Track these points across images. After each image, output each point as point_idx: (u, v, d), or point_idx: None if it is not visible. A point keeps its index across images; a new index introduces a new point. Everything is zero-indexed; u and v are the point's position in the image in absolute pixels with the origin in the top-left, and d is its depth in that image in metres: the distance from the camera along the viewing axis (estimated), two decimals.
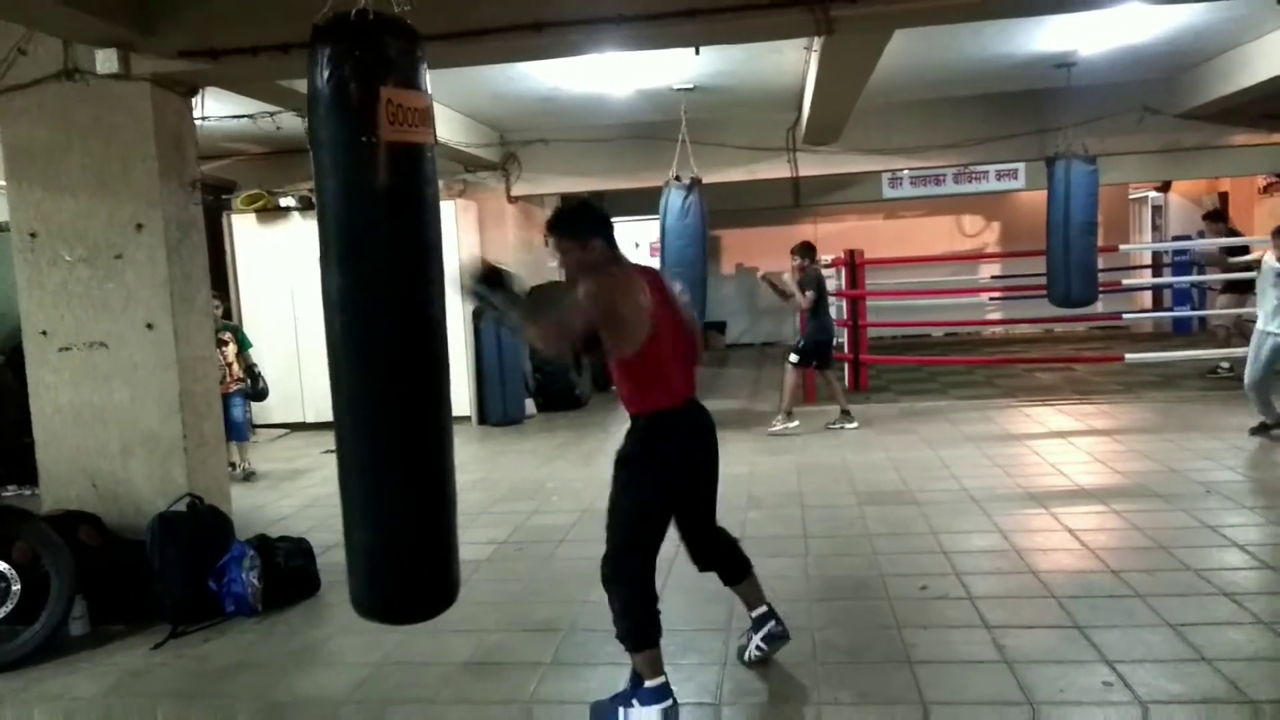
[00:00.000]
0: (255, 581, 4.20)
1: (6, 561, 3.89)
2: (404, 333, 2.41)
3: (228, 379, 6.94)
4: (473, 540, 5.30)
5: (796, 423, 8.04)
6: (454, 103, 8.28)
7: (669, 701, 3.02)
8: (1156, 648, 3.38)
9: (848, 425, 8.03)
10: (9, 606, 3.82)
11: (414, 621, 2.71)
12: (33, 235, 4.46)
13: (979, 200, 14.57)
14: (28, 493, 6.44)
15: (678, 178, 7.99)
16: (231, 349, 7.16)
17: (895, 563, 4.50)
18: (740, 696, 3.24)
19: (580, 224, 3.09)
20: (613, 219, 3.26)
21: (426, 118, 2.38)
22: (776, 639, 3.45)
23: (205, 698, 3.46)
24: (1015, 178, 12.59)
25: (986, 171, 12.83)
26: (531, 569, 4.76)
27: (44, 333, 4.49)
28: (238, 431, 7.13)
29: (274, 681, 3.58)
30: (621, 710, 3.04)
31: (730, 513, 5.52)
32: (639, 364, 3.01)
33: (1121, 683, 3.12)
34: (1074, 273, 8.01)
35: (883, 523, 5.18)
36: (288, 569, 4.38)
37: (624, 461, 3.10)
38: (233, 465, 6.93)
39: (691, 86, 7.93)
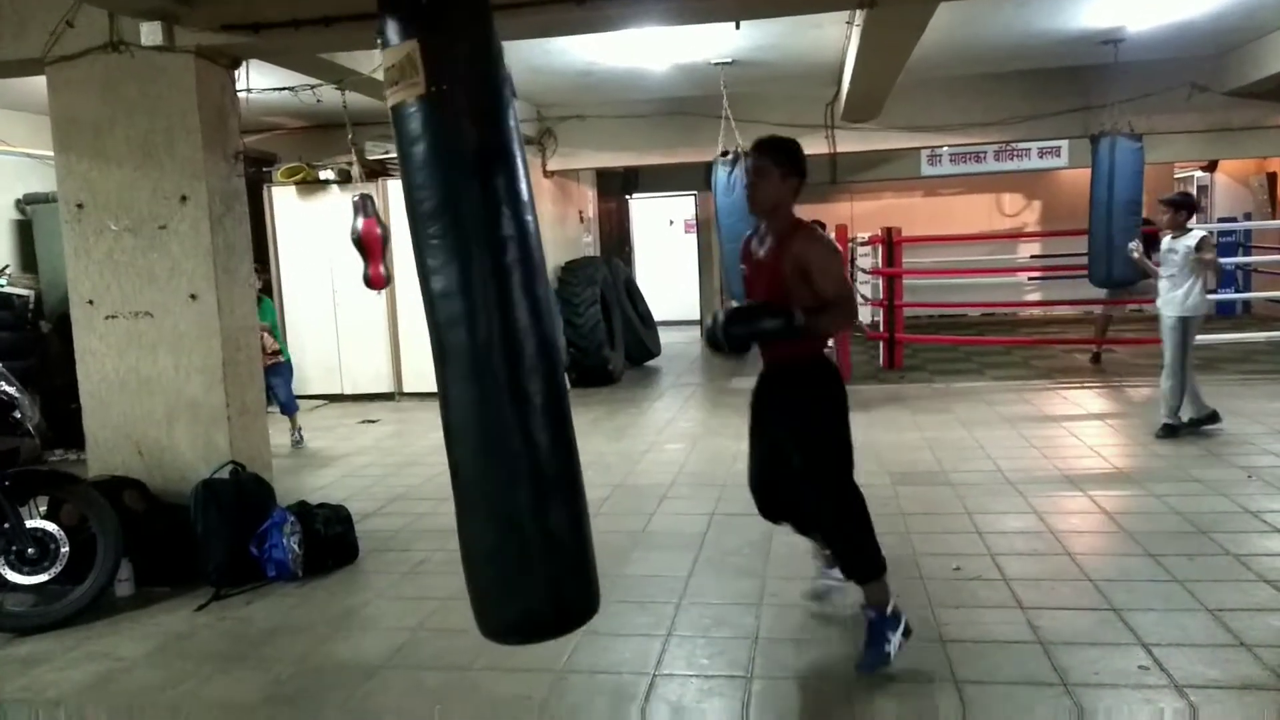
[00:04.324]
0: (296, 547, 4.28)
1: (55, 523, 3.99)
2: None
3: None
4: None
5: None
6: None
7: (904, 617, 3.23)
8: (1194, 632, 3.35)
9: None
10: (58, 567, 3.92)
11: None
12: (80, 206, 4.54)
13: (1020, 178, 14.32)
14: (74, 457, 6.61)
15: (725, 153, 7.94)
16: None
17: (929, 543, 4.49)
18: (771, 671, 3.27)
19: (789, 157, 3.17)
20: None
21: (405, 69, 2.25)
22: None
23: (247, 659, 3.54)
24: (1058, 155, 12.38)
25: (1029, 149, 12.62)
26: None
27: (90, 301, 4.58)
28: (290, 405, 7.41)
29: (314, 645, 3.66)
30: (886, 646, 3.16)
31: None
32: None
33: (1158, 666, 3.10)
34: (1116, 253, 7.87)
35: (916, 502, 5.17)
36: (327, 535, 4.45)
37: (806, 404, 3.20)
38: (296, 437, 7.40)
39: (730, 61, 7.86)
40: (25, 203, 7.91)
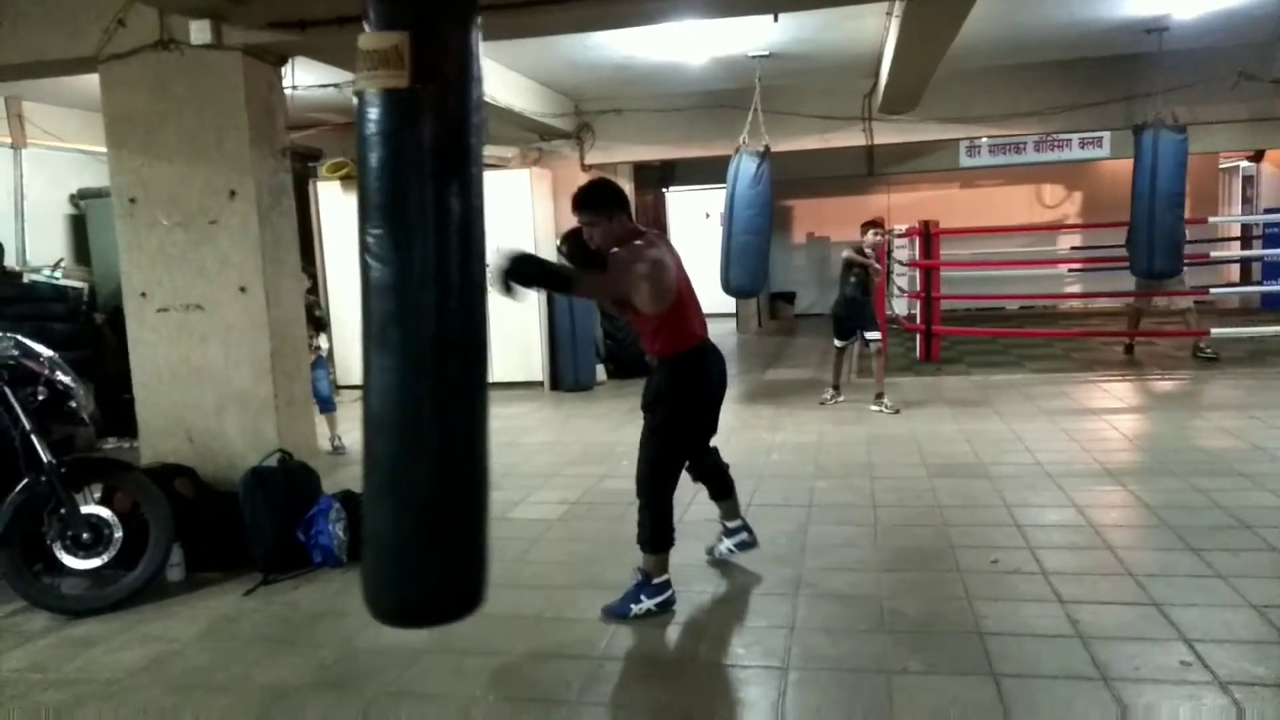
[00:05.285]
0: (341, 534, 4.37)
1: (109, 509, 4.12)
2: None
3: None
4: (545, 500, 5.43)
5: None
6: (530, 71, 8.34)
7: (669, 593, 3.68)
8: (1238, 628, 3.32)
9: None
10: (111, 552, 4.03)
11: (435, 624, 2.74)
12: (132, 200, 4.66)
13: (1060, 169, 14.14)
14: (127, 445, 6.77)
15: (744, 143, 7.92)
16: None
17: (966, 535, 4.48)
18: (807, 662, 3.29)
19: (603, 200, 3.56)
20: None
21: (389, 59, 2.24)
22: (746, 546, 4.19)
23: (294, 643, 3.63)
24: (1100, 146, 12.21)
25: (1069, 140, 12.46)
26: (601, 530, 4.85)
27: (143, 294, 4.70)
28: (326, 404, 6.98)
29: (358, 629, 3.74)
30: (633, 605, 3.62)
31: (799, 481, 5.60)
32: (670, 315, 3.56)
33: (1200, 663, 3.08)
34: (1158, 245, 7.76)
35: (954, 495, 5.15)
36: None
37: (660, 396, 3.67)
38: (334, 443, 6.97)
39: (767, 54, 7.84)
40: (79, 197, 8.12)
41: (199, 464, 4.65)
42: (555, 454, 6.65)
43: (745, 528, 4.21)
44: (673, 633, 3.54)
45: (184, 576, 4.31)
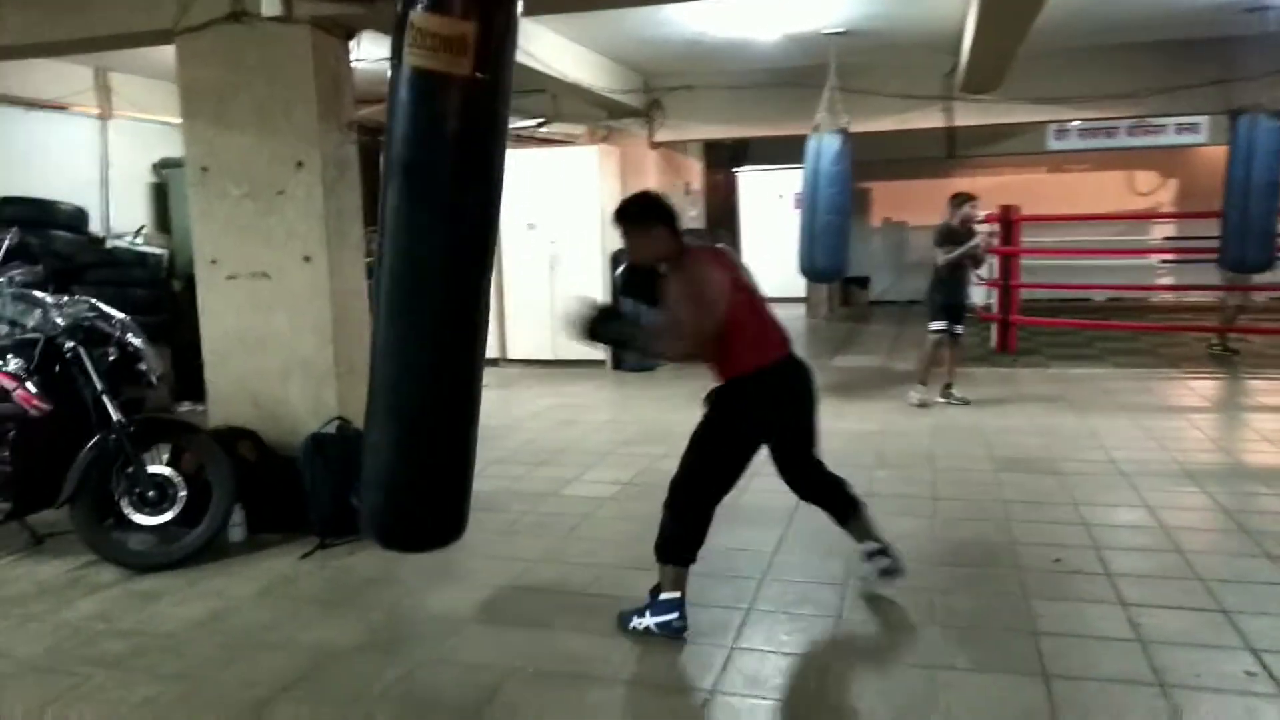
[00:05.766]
0: None
1: (176, 470, 4.25)
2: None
3: None
4: (599, 479, 5.44)
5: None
6: (599, 47, 8.29)
7: (673, 615, 3.28)
8: None
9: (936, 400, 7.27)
10: (176, 510, 4.17)
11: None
12: (204, 170, 4.77)
13: (1155, 155, 13.52)
14: (200, 409, 6.99)
15: (822, 122, 7.75)
16: None
17: (1029, 532, 4.34)
18: (852, 652, 3.23)
19: (643, 214, 3.35)
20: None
21: (452, 45, 2.34)
22: (891, 573, 3.59)
23: (345, 606, 3.71)
24: (1196, 131, 11.66)
25: (1165, 124, 11.91)
26: (652, 511, 4.72)
27: (214, 261, 4.81)
28: None
29: (408, 595, 3.81)
30: (640, 620, 3.33)
31: (857, 470, 5.43)
32: (723, 340, 3.23)
33: (1266, 674, 2.92)
34: (1250, 236, 7.37)
35: (1019, 490, 4.99)
36: None
37: (709, 413, 3.36)
38: None
39: (843, 30, 7.66)
40: (161, 167, 8.38)
41: (263, 428, 4.75)
42: (612, 433, 6.65)
43: (884, 550, 3.59)
44: (716, 615, 3.48)
45: (245, 537, 4.43)
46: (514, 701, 2.95)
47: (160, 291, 7.41)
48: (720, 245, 3.78)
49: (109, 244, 7.50)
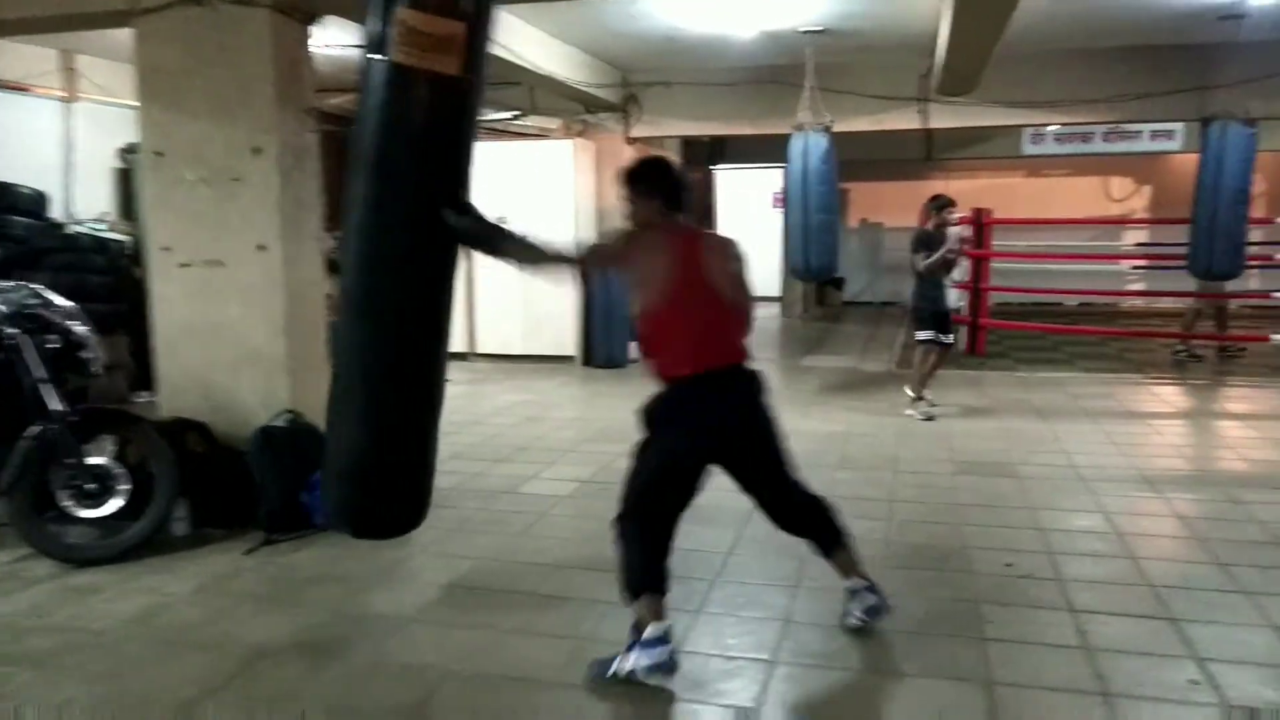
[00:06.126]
0: None
1: (121, 462, 4.16)
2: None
3: None
4: (557, 476, 5.38)
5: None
6: (576, 40, 8.21)
7: (660, 650, 2.88)
8: (1256, 649, 3.14)
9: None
10: (118, 504, 4.07)
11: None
12: (158, 154, 4.67)
13: (1131, 161, 13.60)
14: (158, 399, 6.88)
15: (804, 120, 7.72)
16: None
17: (984, 536, 4.32)
18: (798, 656, 3.19)
19: (644, 180, 3.17)
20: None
21: (442, 45, 2.34)
22: (876, 612, 3.29)
23: (285, 603, 3.63)
24: (1171, 138, 11.72)
25: (1140, 131, 11.96)
26: (609, 509, 4.74)
27: (166, 248, 4.72)
28: None
29: (351, 594, 3.74)
30: (612, 666, 2.94)
31: (819, 471, 5.41)
32: (656, 330, 3.11)
33: (1209, 683, 2.90)
34: (1218, 244, 7.40)
35: (976, 494, 4.98)
36: None
37: (650, 424, 3.24)
38: None
39: (820, 29, 7.62)
40: (127, 152, 8.23)
41: (213, 420, 4.66)
42: (577, 430, 6.59)
43: (870, 588, 3.30)
44: (670, 619, 3.43)
45: (189, 532, 4.32)
46: (450, 704, 2.90)
47: (121, 278, 7.27)
48: (711, 232, 3.57)
49: (69, 229, 7.35)
